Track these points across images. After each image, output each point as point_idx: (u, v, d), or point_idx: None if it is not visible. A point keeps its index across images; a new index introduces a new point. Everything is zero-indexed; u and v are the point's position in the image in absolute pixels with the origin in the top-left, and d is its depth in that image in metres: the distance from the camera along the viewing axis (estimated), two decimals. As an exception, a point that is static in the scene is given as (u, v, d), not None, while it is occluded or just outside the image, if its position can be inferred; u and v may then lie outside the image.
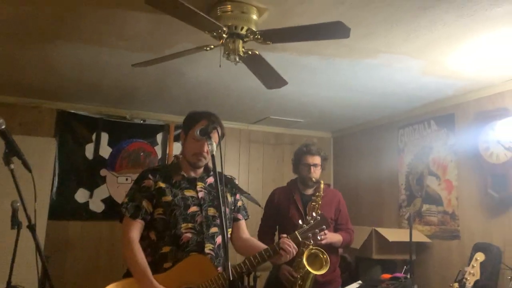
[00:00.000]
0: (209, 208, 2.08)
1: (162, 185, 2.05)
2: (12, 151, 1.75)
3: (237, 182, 2.30)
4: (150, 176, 2.06)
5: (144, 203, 2.01)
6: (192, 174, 2.14)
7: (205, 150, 2.05)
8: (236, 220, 2.24)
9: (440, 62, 3.15)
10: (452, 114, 4.05)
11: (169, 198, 2.03)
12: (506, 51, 2.90)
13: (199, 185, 2.12)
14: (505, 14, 2.36)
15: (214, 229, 2.06)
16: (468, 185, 3.82)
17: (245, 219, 2.29)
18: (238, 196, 2.27)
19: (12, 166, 1.75)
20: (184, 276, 1.90)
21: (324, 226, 2.13)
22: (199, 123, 2.06)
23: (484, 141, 3.60)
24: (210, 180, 2.17)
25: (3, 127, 1.76)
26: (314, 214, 2.28)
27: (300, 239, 2.08)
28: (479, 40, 2.73)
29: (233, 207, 2.22)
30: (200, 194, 2.10)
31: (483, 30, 2.57)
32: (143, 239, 2.03)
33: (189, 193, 2.08)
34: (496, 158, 3.49)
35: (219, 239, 2.06)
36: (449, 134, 4.08)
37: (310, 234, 2.10)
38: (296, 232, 2.10)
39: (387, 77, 3.50)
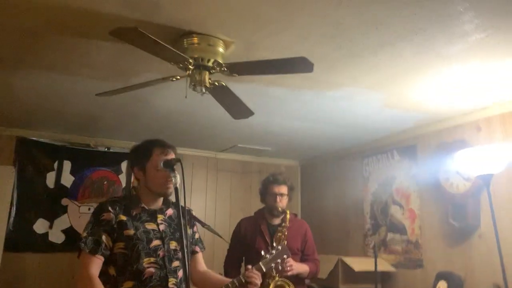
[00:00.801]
0: (170, 242, 2.04)
1: (123, 218, 1.98)
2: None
3: (194, 213, 2.28)
4: (110, 208, 1.98)
5: (104, 238, 1.93)
6: (152, 207, 2.08)
7: (170, 174, 1.99)
8: (194, 252, 2.21)
9: (400, 95, 3.26)
10: (414, 145, 4.18)
11: (131, 231, 1.96)
12: (463, 86, 3.03)
13: (159, 217, 2.08)
14: (460, 51, 2.48)
15: (175, 263, 2.02)
16: (430, 214, 3.92)
17: (202, 251, 2.26)
18: (195, 228, 2.26)
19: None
20: None
21: (285, 256, 2.17)
22: (154, 153, 2.03)
23: (444, 172, 3.72)
24: (169, 212, 2.13)
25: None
26: (275, 244, 2.30)
27: (264, 270, 2.10)
28: (437, 75, 2.85)
29: (191, 240, 2.19)
30: (161, 227, 2.05)
31: (441, 65, 2.69)
32: (101, 274, 1.93)
33: (150, 226, 2.03)
34: (456, 188, 3.60)
35: (180, 273, 2.02)
36: (411, 164, 4.19)
37: (273, 264, 2.13)
38: (260, 263, 2.11)
39: (350, 108, 3.59)
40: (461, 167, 3.48)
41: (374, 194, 4.58)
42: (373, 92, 3.20)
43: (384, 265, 4.14)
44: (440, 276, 3.47)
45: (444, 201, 3.74)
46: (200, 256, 2.24)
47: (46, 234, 4.36)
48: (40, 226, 4.34)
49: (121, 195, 2.17)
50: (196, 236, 2.25)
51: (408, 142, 4.24)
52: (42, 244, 4.31)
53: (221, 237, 2.88)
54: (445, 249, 3.73)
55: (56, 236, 4.38)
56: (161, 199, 2.11)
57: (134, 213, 2.03)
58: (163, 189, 2.02)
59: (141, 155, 2.08)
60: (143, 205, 2.06)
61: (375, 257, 3.72)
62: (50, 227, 4.37)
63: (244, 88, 3.04)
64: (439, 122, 3.87)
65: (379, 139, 4.50)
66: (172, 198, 2.04)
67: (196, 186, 5.19)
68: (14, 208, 4.21)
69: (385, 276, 4.19)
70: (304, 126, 4.15)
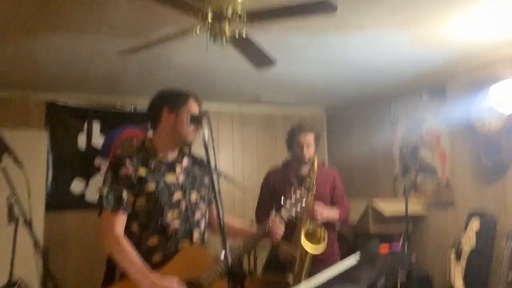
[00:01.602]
0: (191, 193, 2.00)
1: (143, 172, 1.90)
2: (1, 148, 1.73)
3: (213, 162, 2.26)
4: (127, 162, 1.88)
5: (125, 194, 1.85)
6: (169, 158, 2.01)
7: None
8: (210, 201, 2.15)
9: (428, 33, 3.12)
10: (443, 85, 4.05)
11: (152, 186, 1.89)
12: (496, 18, 2.86)
13: (177, 169, 2.01)
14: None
15: (198, 215, 1.99)
16: (461, 154, 3.85)
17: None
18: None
19: (2, 164, 1.73)
20: (182, 269, 1.82)
21: (304, 203, 2.22)
22: (189, 101, 1.99)
23: (476, 110, 3.61)
24: (185, 162, 2.07)
25: (-11, 125, 1.74)
26: (292, 193, 2.30)
27: (285, 218, 2.12)
28: (468, 7, 2.69)
29: (208, 189, 2.13)
30: (180, 178, 2.00)
31: (472, -3, 2.54)
32: (124, 230, 1.86)
33: (169, 178, 1.96)
34: (488, 127, 3.50)
35: (202, 225, 2.01)
36: (441, 104, 4.08)
37: (293, 213, 2.16)
38: (280, 212, 2.14)
39: (376, 51, 3.48)
40: (494, 103, 3.36)
41: (402, 137, 4.52)
42: (400, 32, 3.07)
43: (414, 207, 4.14)
44: (472, 216, 3.46)
45: (476, 140, 3.66)
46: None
47: (83, 194, 4.53)
48: (76, 186, 4.52)
49: (136, 147, 2.10)
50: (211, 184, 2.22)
51: (436, 82, 4.11)
52: (80, 203, 4.51)
53: (237, 184, 2.91)
54: (477, 189, 3.69)
55: (93, 195, 4.55)
56: (177, 149, 2.05)
57: (153, 165, 1.95)
58: (190, 137, 1.98)
59: (177, 98, 2.01)
60: (160, 156, 1.99)
61: (406, 200, 3.73)
62: (86, 186, 4.54)
63: (265, 37, 2.96)
64: (470, 58, 3.70)
65: (407, 81, 4.37)
66: (200, 152, 2.01)
67: (222, 140, 5.23)
68: (50, 171, 4.38)
69: (416, 218, 4.21)
70: (329, 72, 4.06)
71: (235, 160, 5.29)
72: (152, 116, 2.04)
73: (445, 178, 4.00)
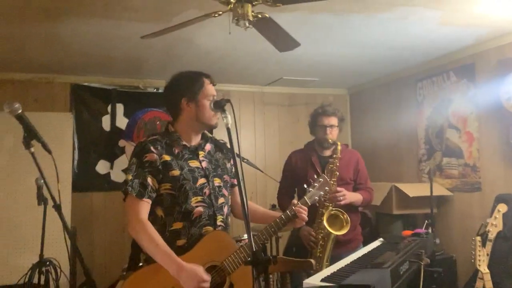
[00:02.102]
0: (214, 179, 2.01)
1: (167, 158, 1.91)
2: (31, 134, 1.76)
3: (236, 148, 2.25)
4: (152, 148, 1.88)
5: (150, 180, 1.86)
6: (192, 143, 2.02)
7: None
8: (233, 185, 2.16)
9: (458, 10, 3.01)
10: (472, 64, 3.92)
11: (177, 172, 1.90)
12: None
13: (201, 154, 2.02)
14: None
15: (221, 200, 2.01)
16: (490, 137, 3.75)
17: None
18: (232, 161, 2.21)
19: (32, 149, 1.77)
20: (206, 254, 1.86)
21: (327, 188, 2.19)
22: (205, 84, 1.96)
23: (506, 91, 3.49)
24: (208, 147, 2.08)
25: (19, 111, 1.77)
26: (315, 176, 2.28)
27: (309, 203, 2.10)
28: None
29: (230, 173, 2.14)
30: (204, 164, 2.00)
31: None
32: (149, 215, 1.89)
33: (193, 164, 1.97)
34: (519, 108, 3.39)
35: (225, 209, 2.03)
36: (469, 85, 3.96)
37: (317, 197, 2.13)
38: (305, 197, 2.13)
39: (403, 30, 3.38)
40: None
41: (428, 119, 4.42)
42: (428, 10, 2.97)
43: (439, 190, 4.09)
44: (499, 199, 3.39)
45: (505, 122, 3.55)
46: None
47: (108, 174, 4.63)
48: (101, 167, 4.61)
49: (159, 132, 2.10)
50: (233, 169, 2.19)
51: (465, 61, 3.98)
52: (105, 183, 4.61)
53: (260, 170, 2.90)
54: (506, 171, 3.60)
55: (118, 176, 4.64)
56: (200, 134, 2.05)
57: (177, 151, 1.95)
58: (214, 120, 1.97)
59: (192, 86, 1.96)
60: (184, 142, 1.99)
61: (431, 182, 3.68)
62: (111, 167, 4.63)
63: (288, 18, 2.92)
64: (501, 37, 3.57)
65: (434, 60, 4.25)
66: (224, 137, 2.00)
67: (244, 122, 5.22)
68: (76, 152, 4.47)
69: (440, 201, 4.16)
70: (353, 52, 3.98)
71: (256, 142, 5.29)
72: (171, 108, 2.03)
73: (472, 160, 3.91)
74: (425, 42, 3.69)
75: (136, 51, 3.73)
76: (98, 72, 4.48)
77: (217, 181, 2.02)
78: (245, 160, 2.32)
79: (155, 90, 4.85)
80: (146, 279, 1.81)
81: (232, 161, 2.09)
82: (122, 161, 4.66)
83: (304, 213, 2.02)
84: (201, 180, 1.96)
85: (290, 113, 5.47)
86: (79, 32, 3.19)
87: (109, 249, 4.52)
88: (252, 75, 4.74)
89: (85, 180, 4.49)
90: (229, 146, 1.72)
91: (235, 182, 2.16)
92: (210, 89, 1.98)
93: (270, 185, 3.77)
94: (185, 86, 1.98)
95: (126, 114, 4.72)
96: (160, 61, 4.10)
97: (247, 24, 2.31)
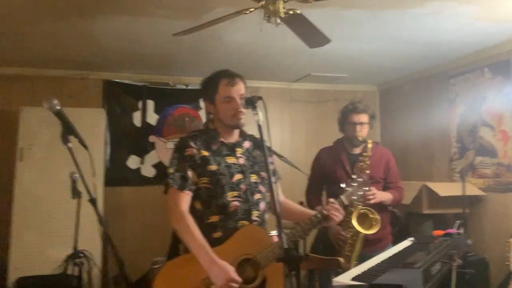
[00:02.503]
0: (251, 175, 2.06)
1: (206, 153, 2.00)
2: (69, 130, 1.82)
3: (268, 145, 2.27)
4: (192, 144, 1.99)
5: (190, 173, 1.96)
6: (230, 140, 2.09)
7: (239, 104, 1.98)
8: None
9: (494, 5, 2.93)
10: (508, 61, 3.79)
11: (214, 167, 1.98)
12: None
13: (238, 151, 2.08)
14: None
15: (257, 196, 2.05)
16: (526, 135, 3.63)
17: (278, 182, 2.24)
18: (270, 159, 2.24)
19: (70, 144, 1.82)
20: (240, 247, 1.89)
21: (366, 188, 2.15)
22: (221, 85, 2.01)
23: (544, 88, 3.38)
24: (247, 144, 2.13)
25: (58, 107, 1.83)
26: (354, 176, 2.25)
27: (346, 203, 2.10)
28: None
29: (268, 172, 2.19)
30: (241, 161, 2.06)
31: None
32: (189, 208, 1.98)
33: (230, 160, 2.04)
34: (558, 106, 3.27)
35: (262, 205, 2.06)
36: (504, 81, 3.84)
37: (355, 197, 2.11)
38: (342, 197, 2.10)
39: (436, 25, 3.31)
40: None
41: (461, 116, 4.31)
42: (463, 5, 2.90)
43: (471, 189, 3.99)
44: (536, 200, 3.29)
45: (543, 120, 3.43)
46: (277, 187, 2.26)
47: (139, 169, 4.73)
48: (132, 162, 4.71)
49: (199, 129, 2.18)
50: (271, 167, 2.24)
51: (501, 58, 3.86)
52: (136, 178, 4.71)
53: (298, 168, 2.90)
54: (543, 171, 3.48)
55: (148, 171, 4.73)
56: (237, 131, 2.11)
57: (214, 147, 2.03)
58: (234, 121, 2.01)
59: (208, 88, 2.05)
60: (221, 139, 2.06)
61: (463, 181, 3.59)
62: (142, 162, 4.73)
63: (318, 14, 2.90)
64: (540, 32, 3.45)
65: (468, 56, 4.14)
66: (254, 133, 2.03)
67: (271, 118, 5.12)
68: (108, 147, 4.58)
69: (473, 201, 4.06)
70: (383, 48, 3.92)
71: (283, 139, 5.28)
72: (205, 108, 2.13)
73: (507, 160, 3.80)
74: (458, 37, 3.60)
75: (166, 48, 3.79)
76: (129, 69, 4.57)
77: (253, 178, 2.06)
78: (283, 158, 2.33)
79: (184, 86, 4.91)
80: (182, 267, 1.88)
81: (270, 159, 2.14)
82: (152, 157, 4.75)
83: (337, 213, 2.01)
84: (238, 176, 2.02)
85: (317, 110, 5.43)
86: (112, 29, 3.27)
87: (139, 242, 4.61)
88: (280, 71, 4.74)
89: (116, 174, 4.59)
90: (268, 144, 1.79)
91: (273, 180, 2.18)
92: (225, 90, 2.00)
93: (297, 181, 3.74)
94: (204, 89, 2.09)
95: (156, 110, 4.80)
96: (190, 58, 4.15)
97: (278, 21, 2.32)
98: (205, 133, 2.08)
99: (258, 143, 2.15)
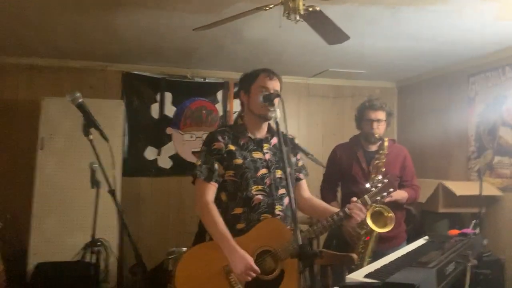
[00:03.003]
0: (276, 170, 2.12)
1: (232, 147, 2.08)
2: (90, 123, 1.87)
3: (296, 142, 2.31)
4: (219, 138, 2.08)
5: (216, 166, 2.05)
6: (258, 136, 2.16)
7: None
8: (297, 179, 2.28)
9: (518, 4, 2.88)
10: (530, 60, 3.74)
11: (240, 161, 2.06)
12: None
13: (265, 146, 2.15)
14: None
15: (282, 191, 2.11)
16: (547, 136, 3.57)
17: (306, 178, 2.32)
18: (298, 155, 2.30)
19: (91, 137, 1.87)
20: (261, 238, 1.96)
21: (391, 189, 2.13)
22: (260, 76, 2.10)
23: None
24: (274, 140, 2.19)
25: (80, 100, 1.87)
26: (380, 176, 2.25)
27: (370, 203, 2.11)
28: None
29: (295, 167, 2.25)
30: (267, 156, 2.13)
31: None
32: (214, 199, 2.07)
33: (257, 155, 2.11)
34: None
35: (286, 200, 2.11)
36: (526, 81, 3.78)
37: (378, 198, 2.12)
38: (366, 197, 2.11)
39: (456, 23, 3.27)
40: None
41: (480, 115, 4.26)
42: (484, 3, 2.86)
43: (489, 189, 3.94)
44: (554, 202, 3.24)
45: None
46: (304, 183, 2.30)
47: (156, 160, 4.79)
48: (149, 153, 4.77)
49: (229, 124, 2.26)
50: (300, 163, 2.30)
51: (523, 57, 3.80)
52: (153, 169, 4.77)
53: (323, 166, 2.91)
54: None
55: (165, 162, 4.79)
56: (266, 127, 2.17)
57: (242, 142, 2.11)
58: (265, 111, 2.06)
59: (247, 78, 2.15)
60: (249, 134, 2.14)
61: (480, 180, 3.57)
62: (159, 154, 4.79)
63: (337, 11, 2.89)
64: None
65: (489, 55, 4.07)
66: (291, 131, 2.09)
67: (288, 113, 5.13)
68: (126, 138, 4.65)
69: (490, 201, 4.02)
70: (402, 45, 3.89)
71: (300, 133, 5.28)
72: (240, 102, 2.23)
73: (526, 160, 3.75)
74: (478, 36, 3.55)
75: (186, 42, 3.82)
76: (148, 61, 4.62)
77: (278, 173, 2.12)
78: (310, 156, 2.35)
79: (202, 80, 4.94)
80: (207, 253, 1.97)
81: (298, 156, 2.25)
82: (169, 148, 4.81)
83: (360, 212, 2.03)
84: (263, 171, 2.09)
85: (335, 106, 5.42)
86: (133, 21, 3.31)
87: (154, 232, 4.69)
88: (298, 66, 4.74)
89: (134, 165, 4.66)
90: (296, 142, 1.93)
91: (300, 176, 2.29)
92: (263, 80, 2.10)
93: (312, 177, 3.76)
94: (243, 80, 2.18)
95: (174, 103, 4.85)
96: (208, 51, 4.17)
97: (297, 18, 2.32)
98: (234, 128, 2.17)
99: (286, 140, 2.19)
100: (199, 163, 2.07)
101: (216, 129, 2.18)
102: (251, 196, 2.04)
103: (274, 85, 2.09)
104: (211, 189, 2.05)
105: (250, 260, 1.88)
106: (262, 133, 2.18)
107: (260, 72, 2.12)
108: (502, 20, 3.17)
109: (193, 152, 4.79)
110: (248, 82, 2.13)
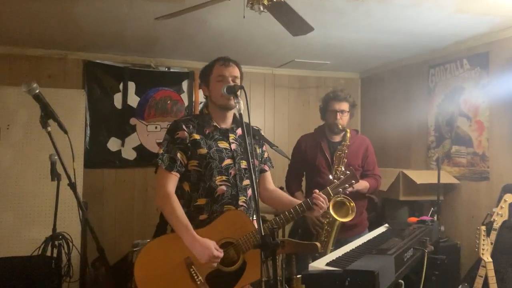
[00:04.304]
0: (241, 161, 2.11)
1: (197, 136, 2.05)
2: (48, 114, 1.81)
3: (262, 133, 2.33)
4: (184, 127, 2.05)
5: (179, 155, 2.02)
6: (223, 126, 2.14)
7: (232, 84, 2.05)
8: (262, 171, 2.28)
9: (475, -1, 2.97)
10: (486, 53, 3.87)
11: (204, 150, 2.04)
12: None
13: (231, 136, 2.14)
14: None
15: (246, 182, 2.10)
16: (500, 126, 3.74)
17: (270, 170, 2.34)
18: (264, 147, 2.31)
19: (49, 128, 1.82)
20: (223, 230, 1.96)
21: (353, 181, 2.19)
22: (215, 65, 2.11)
23: (519, 81, 3.46)
24: (240, 131, 2.18)
25: (37, 91, 1.81)
26: (343, 168, 2.31)
27: (332, 195, 2.15)
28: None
29: (260, 159, 2.26)
30: (233, 146, 2.12)
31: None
32: (177, 189, 2.05)
33: (222, 144, 2.10)
34: (532, 99, 3.36)
35: (250, 191, 2.11)
36: (482, 73, 3.92)
37: (340, 189, 2.16)
38: (328, 188, 2.15)
39: (417, 16, 3.35)
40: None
41: (439, 106, 4.40)
42: (445, -3, 2.94)
43: (447, 177, 4.10)
44: (507, 189, 3.40)
45: (517, 112, 3.53)
46: (268, 175, 2.32)
47: (119, 151, 4.69)
48: (113, 144, 4.67)
49: (194, 114, 2.24)
50: (265, 155, 2.31)
51: (480, 50, 3.94)
52: (117, 160, 4.67)
53: (288, 158, 2.94)
54: (514, 162, 3.60)
55: (128, 153, 4.70)
56: (231, 117, 2.17)
57: (207, 131, 2.10)
58: (225, 101, 2.05)
59: (205, 70, 2.16)
60: (215, 123, 2.12)
61: (438, 169, 3.70)
62: (122, 145, 4.68)
63: (301, 2, 2.90)
64: (518, 26, 3.52)
65: (448, 46, 4.21)
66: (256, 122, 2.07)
67: (254, 103, 5.23)
68: (88, 129, 4.52)
69: (447, 188, 4.18)
70: (366, 37, 3.95)
71: (266, 124, 5.31)
72: (203, 94, 2.22)
73: (481, 149, 3.91)
74: (439, 28, 3.65)
75: (148, 30, 3.74)
76: (110, 50, 4.49)
77: (243, 164, 2.12)
78: (275, 147, 2.37)
79: (166, 69, 4.86)
80: (167, 245, 1.95)
81: (264, 147, 2.27)
82: (133, 139, 4.71)
83: (323, 202, 2.07)
84: (228, 161, 2.07)
85: (300, 96, 5.46)
86: (93, 9, 3.20)
87: (118, 224, 4.62)
88: (263, 57, 4.73)
89: (96, 156, 4.55)
90: (261, 133, 1.95)
91: (265, 168, 2.29)
92: (219, 69, 2.10)
93: (278, 167, 3.78)
94: (201, 72, 2.17)
95: (137, 93, 4.74)
96: (172, 40, 4.10)
97: (261, 8, 2.31)
98: (199, 118, 2.14)
99: (252, 131, 2.20)
100: (161, 151, 2.04)
101: (180, 118, 2.17)
102: (214, 186, 2.03)
103: (230, 71, 2.08)
104: (173, 179, 2.02)
105: (212, 247, 1.87)
106: (227, 123, 2.16)
107: (215, 62, 2.12)
108: (461, 13, 3.26)
109: (158, 143, 4.72)
110: (206, 74, 2.13)
